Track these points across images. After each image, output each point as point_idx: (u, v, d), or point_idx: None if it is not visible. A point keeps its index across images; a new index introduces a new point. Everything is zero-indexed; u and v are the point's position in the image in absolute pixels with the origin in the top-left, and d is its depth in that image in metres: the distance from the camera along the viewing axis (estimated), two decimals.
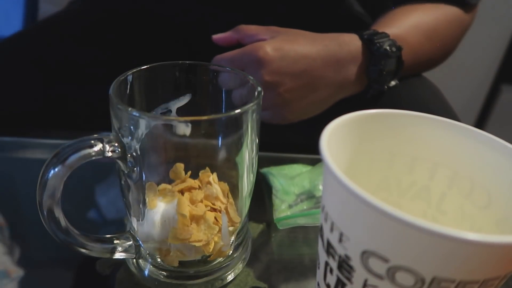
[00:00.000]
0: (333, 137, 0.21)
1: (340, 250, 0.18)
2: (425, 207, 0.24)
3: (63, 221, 0.24)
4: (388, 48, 0.40)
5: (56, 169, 0.23)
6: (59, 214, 0.23)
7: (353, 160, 0.23)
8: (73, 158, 0.23)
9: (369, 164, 0.24)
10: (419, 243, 0.15)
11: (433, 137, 0.23)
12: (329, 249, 0.19)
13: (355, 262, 0.18)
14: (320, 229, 0.21)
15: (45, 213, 0.23)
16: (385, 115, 0.23)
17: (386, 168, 0.24)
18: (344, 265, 0.18)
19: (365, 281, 0.18)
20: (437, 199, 0.23)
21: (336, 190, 0.18)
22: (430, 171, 0.23)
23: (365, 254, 0.17)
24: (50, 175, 0.23)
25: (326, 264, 0.20)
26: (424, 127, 0.23)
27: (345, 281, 0.19)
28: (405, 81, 0.51)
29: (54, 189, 0.23)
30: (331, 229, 0.19)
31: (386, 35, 0.41)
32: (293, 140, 0.50)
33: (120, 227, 0.36)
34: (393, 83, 0.43)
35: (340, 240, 0.18)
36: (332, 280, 0.20)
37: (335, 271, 0.19)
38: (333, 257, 0.19)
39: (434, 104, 0.49)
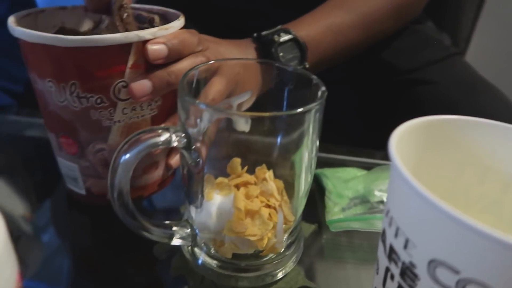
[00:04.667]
0: (401, 141, 0.20)
1: (404, 256, 0.18)
2: (494, 222, 0.23)
3: (131, 205, 0.25)
4: (276, 35, 0.40)
5: (127, 156, 0.24)
6: (127, 198, 0.25)
7: (419, 166, 0.22)
8: (142, 146, 0.25)
9: (435, 172, 0.23)
10: (497, 258, 0.14)
11: (508, 147, 0.22)
12: (392, 255, 0.19)
13: (421, 270, 0.17)
14: (382, 234, 0.20)
15: (115, 196, 0.25)
16: (457, 121, 0.22)
17: (453, 177, 0.23)
18: (408, 272, 0.18)
19: None
20: (510, 215, 0.22)
21: (405, 195, 0.17)
22: (504, 184, 0.22)
23: (433, 263, 0.16)
24: (121, 161, 0.24)
25: (387, 270, 0.20)
26: (499, 137, 0.22)
27: None
28: (475, 90, 0.49)
29: (124, 175, 0.24)
30: (396, 235, 0.18)
31: (278, 29, 0.41)
32: (346, 144, 0.49)
33: (175, 216, 0.37)
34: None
35: (406, 247, 0.18)
36: (392, 286, 0.19)
37: (397, 278, 0.19)
38: (396, 263, 0.19)
39: (504, 114, 0.46)
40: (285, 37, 0.41)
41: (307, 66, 0.42)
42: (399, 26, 0.53)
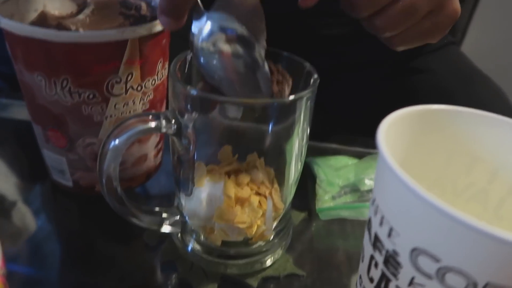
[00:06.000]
0: (390, 130, 0.20)
1: (388, 245, 0.18)
2: (480, 210, 0.23)
3: (119, 191, 0.25)
4: None
5: (117, 141, 0.24)
6: (116, 184, 0.25)
7: (408, 156, 0.22)
8: (132, 132, 0.25)
9: (424, 161, 0.23)
10: (475, 246, 0.15)
11: (496, 138, 0.22)
12: (376, 243, 0.19)
13: (403, 258, 0.17)
14: (368, 222, 0.21)
15: (103, 181, 0.24)
16: (446, 111, 0.22)
17: (442, 166, 0.23)
18: (391, 260, 0.18)
19: (412, 278, 0.17)
20: (495, 203, 0.22)
21: (391, 184, 0.17)
22: (490, 174, 0.22)
23: (415, 252, 0.17)
24: (111, 146, 0.24)
25: (372, 257, 0.20)
26: (487, 127, 0.22)
27: (391, 276, 0.18)
28: (469, 81, 0.49)
29: (114, 160, 0.24)
30: (381, 223, 0.19)
31: None
32: (339, 131, 0.49)
33: (169, 202, 0.37)
34: None
35: (390, 235, 0.18)
36: (376, 274, 0.20)
37: (381, 266, 0.19)
38: (380, 251, 0.19)
39: (498, 104, 0.46)
40: None
41: None
42: None
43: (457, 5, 0.30)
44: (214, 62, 0.26)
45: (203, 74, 0.27)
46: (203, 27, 0.26)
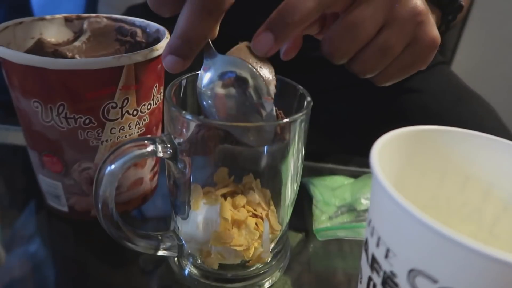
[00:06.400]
0: (383, 151, 0.20)
1: (385, 266, 0.18)
2: (475, 229, 0.23)
3: (115, 216, 0.25)
4: None
5: (113, 166, 0.24)
6: (112, 209, 0.25)
7: (402, 176, 0.22)
8: (127, 157, 0.25)
9: (418, 181, 0.23)
10: (472, 267, 0.15)
11: (488, 157, 0.22)
12: (374, 264, 0.19)
13: (401, 279, 0.17)
14: (364, 243, 0.21)
15: (99, 207, 0.24)
16: (438, 131, 0.23)
17: (436, 186, 0.23)
18: (389, 281, 0.18)
19: None
20: (490, 222, 0.23)
21: (385, 206, 0.18)
22: (484, 192, 0.22)
23: (413, 273, 0.17)
24: (107, 171, 0.24)
25: (370, 279, 0.20)
26: (479, 146, 0.23)
27: None
28: (461, 100, 0.50)
29: (110, 185, 0.24)
30: (377, 244, 0.19)
31: None
32: (334, 151, 0.50)
33: (163, 226, 0.37)
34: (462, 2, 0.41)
35: (387, 256, 0.18)
36: None
37: (379, 287, 0.19)
38: (378, 272, 0.19)
39: (489, 123, 0.47)
40: None
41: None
42: None
43: (433, 33, 0.30)
44: (213, 107, 0.27)
45: (206, 116, 0.27)
46: (206, 72, 0.26)
